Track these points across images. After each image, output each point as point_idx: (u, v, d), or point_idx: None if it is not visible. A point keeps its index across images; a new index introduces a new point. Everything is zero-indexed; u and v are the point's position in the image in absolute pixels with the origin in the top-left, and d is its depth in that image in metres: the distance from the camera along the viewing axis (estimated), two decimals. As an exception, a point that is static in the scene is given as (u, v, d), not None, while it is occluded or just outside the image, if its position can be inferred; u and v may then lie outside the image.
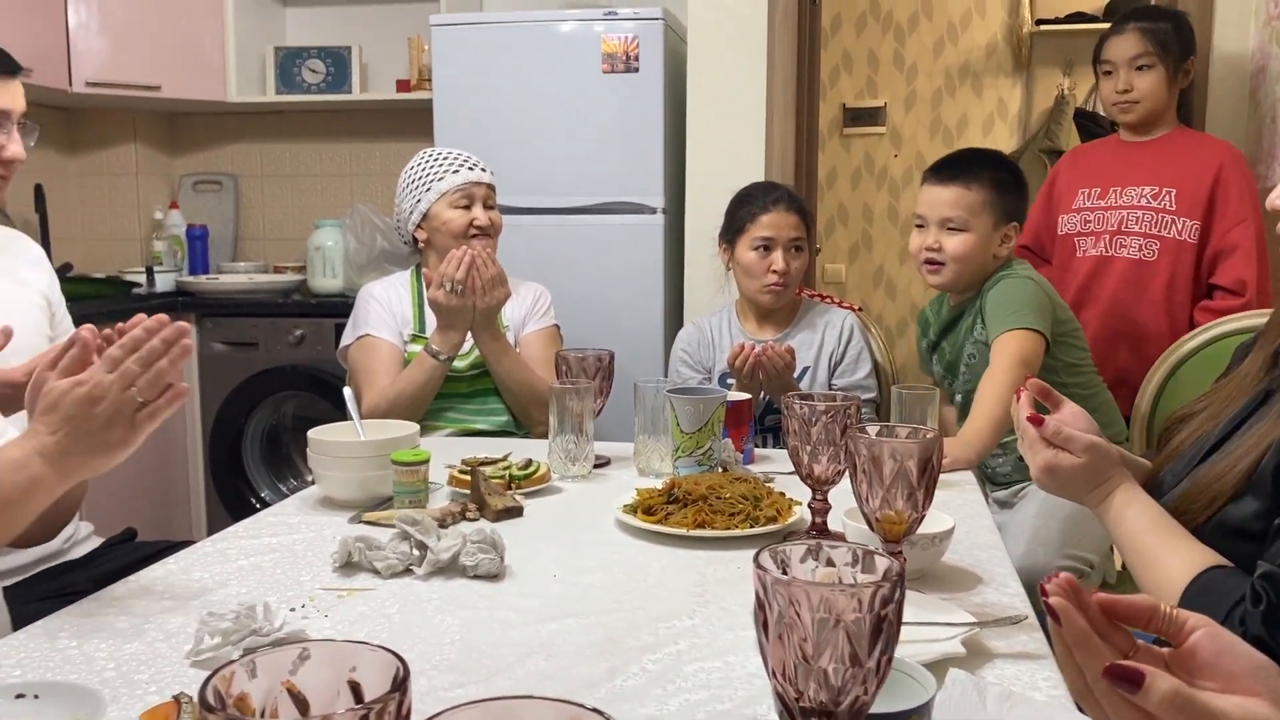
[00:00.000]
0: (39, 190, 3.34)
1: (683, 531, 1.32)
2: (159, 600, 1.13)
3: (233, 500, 3.36)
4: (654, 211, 2.97)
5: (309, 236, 3.58)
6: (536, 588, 1.17)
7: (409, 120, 3.73)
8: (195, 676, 0.92)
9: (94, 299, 3.15)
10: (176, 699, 0.77)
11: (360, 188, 3.91)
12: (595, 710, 0.46)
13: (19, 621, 1.23)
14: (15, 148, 1.74)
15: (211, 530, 3.28)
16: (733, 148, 2.90)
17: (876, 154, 4.79)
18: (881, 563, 0.69)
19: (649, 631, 1.04)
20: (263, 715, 0.52)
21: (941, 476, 1.10)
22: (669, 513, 1.37)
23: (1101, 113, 3.33)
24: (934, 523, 1.19)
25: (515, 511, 1.44)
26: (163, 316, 1.10)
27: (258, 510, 1.53)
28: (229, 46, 3.57)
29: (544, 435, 2.09)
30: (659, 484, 1.48)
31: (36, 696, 0.85)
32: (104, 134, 3.87)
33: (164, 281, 3.54)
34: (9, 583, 1.40)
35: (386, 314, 2.22)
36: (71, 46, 3.30)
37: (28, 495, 1.04)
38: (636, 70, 2.93)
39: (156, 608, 1.10)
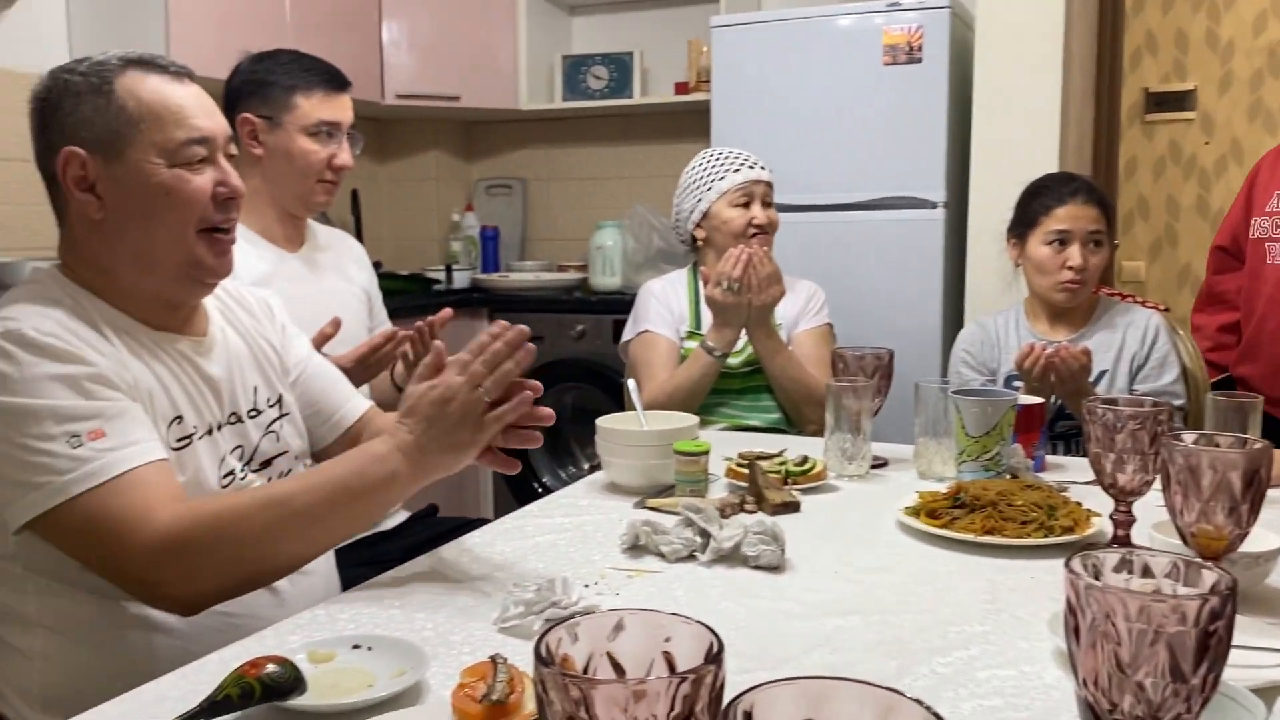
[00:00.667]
0: (355, 195, 3.69)
1: (971, 537, 1.28)
2: (467, 569, 1.22)
3: (516, 484, 3.57)
4: (934, 206, 2.88)
5: (590, 236, 3.74)
6: (819, 582, 1.17)
7: (686, 122, 3.82)
8: (502, 641, 0.99)
9: (400, 294, 3.44)
10: (492, 659, 0.83)
11: (639, 189, 4.04)
12: (916, 700, 0.46)
13: (345, 584, 1.37)
14: (345, 156, 1.94)
15: (498, 510, 3.51)
16: (1023, 139, 2.77)
17: (1184, 141, 4.41)
18: (1208, 576, 0.64)
19: (938, 634, 1.01)
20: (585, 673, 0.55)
21: (1270, 492, 1.00)
22: (954, 517, 1.33)
23: None
24: (1259, 541, 1.09)
25: (793, 506, 1.45)
26: (503, 323, 1.18)
27: (539, 494, 1.62)
28: (521, 57, 3.80)
29: (815, 434, 2.09)
30: (942, 488, 1.44)
31: (370, 648, 0.95)
32: (409, 143, 4.21)
33: (461, 279, 3.81)
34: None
35: (665, 310, 2.29)
36: (385, 62, 3.62)
37: (387, 488, 1.13)
38: (919, 61, 2.85)
39: (465, 576, 1.19)
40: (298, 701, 0.83)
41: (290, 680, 0.83)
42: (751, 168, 2.26)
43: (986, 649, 0.98)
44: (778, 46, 3.02)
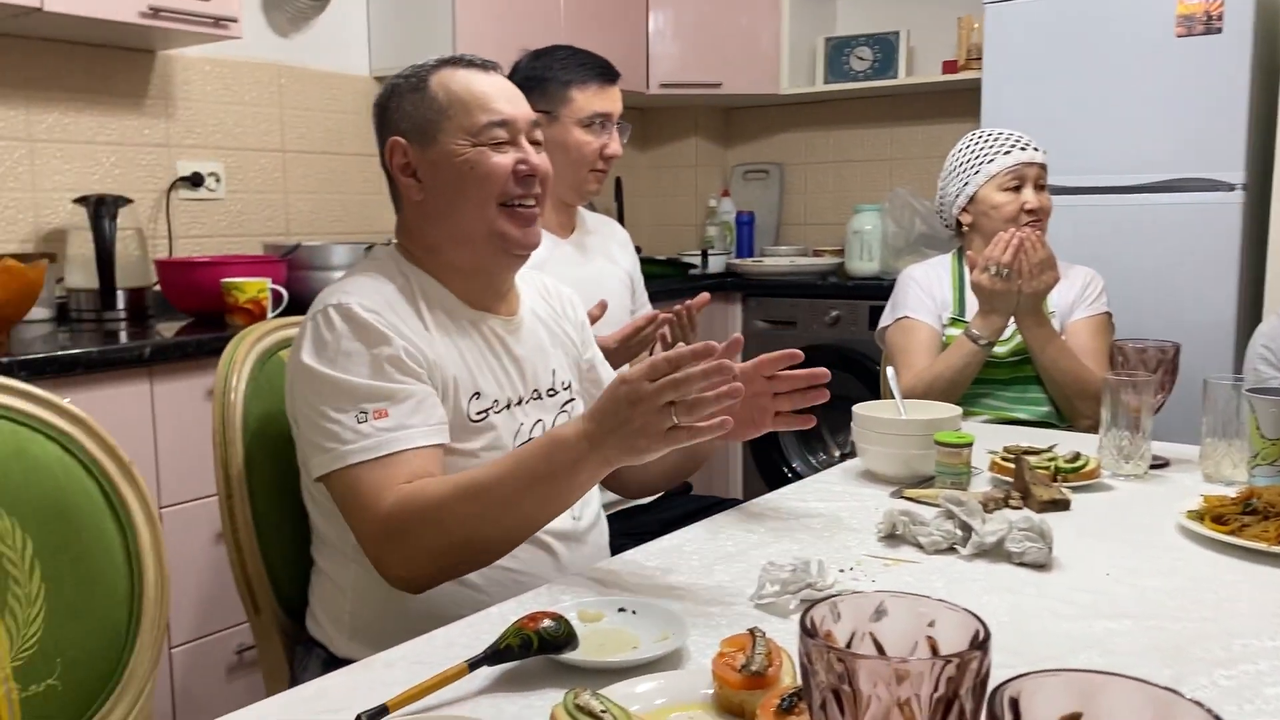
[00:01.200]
0: (618, 183, 3.82)
1: (1264, 546, 1.18)
2: (723, 546, 1.26)
3: (766, 466, 3.59)
4: (1231, 188, 2.65)
5: (848, 221, 3.70)
6: (1089, 583, 1.12)
7: (953, 102, 3.69)
8: (759, 616, 1.02)
9: (657, 278, 3.54)
10: (751, 632, 0.86)
11: (900, 172, 3.95)
12: (1194, 701, 0.44)
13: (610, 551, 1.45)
14: (615, 145, 2.03)
15: (747, 491, 3.55)
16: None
17: None
18: None
19: (1220, 645, 0.95)
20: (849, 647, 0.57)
21: None
22: (1244, 524, 1.24)
23: None
24: None
25: (1062, 504, 1.39)
26: (712, 344, 1.08)
27: (789, 479, 1.64)
28: (784, 41, 3.79)
29: (1088, 429, 1.98)
30: (1230, 492, 1.34)
31: (635, 612, 1.00)
32: (670, 130, 4.31)
33: (716, 263, 3.87)
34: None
35: (926, 297, 2.24)
36: (650, 53, 3.72)
37: (572, 472, 1.12)
38: (1219, 32, 2.63)
39: (721, 553, 1.23)
40: (570, 656, 0.89)
41: (564, 636, 0.89)
42: (1023, 149, 2.16)
43: (1277, 665, 0.91)
44: (1057, 20, 2.86)
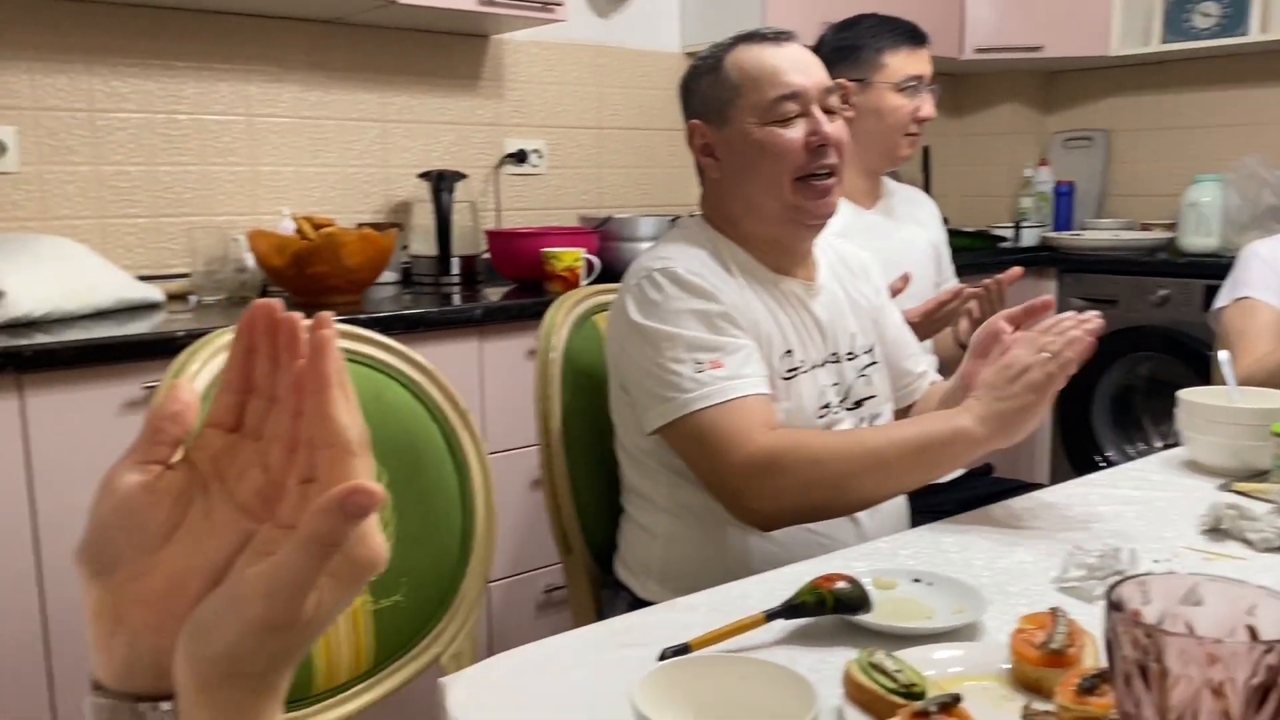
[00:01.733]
0: (926, 152, 3.71)
1: None
2: (1026, 526, 1.22)
3: (1076, 454, 3.39)
4: None
5: (1183, 192, 3.40)
6: None
7: (1316, 58, 3.29)
8: (1059, 599, 0.99)
9: (965, 251, 3.41)
10: (1053, 611, 0.84)
11: (1248, 139, 3.56)
12: None
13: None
14: (929, 108, 2.00)
15: (1054, 479, 3.37)
16: None
17: None
18: None
19: None
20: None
21: None
22: None
23: None
24: None
25: None
26: (1049, 299, 1.19)
27: (1101, 467, 1.55)
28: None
29: None
30: None
31: (930, 584, 1.01)
32: (984, 97, 4.13)
33: (1029, 237, 3.68)
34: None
35: (1273, 276, 2.03)
36: (965, 16, 3.58)
37: (959, 450, 1.20)
38: None
39: (1023, 533, 1.20)
40: (864, 618, 0.92)
41: (858, 598, 0.92)
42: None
43: None
44: None
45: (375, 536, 0.45)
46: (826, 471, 1.21)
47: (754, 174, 1.34)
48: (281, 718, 0.47)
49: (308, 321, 0.48)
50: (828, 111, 1.35)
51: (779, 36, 1.36)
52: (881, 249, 1.99)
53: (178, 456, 0.50)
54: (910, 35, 2.01)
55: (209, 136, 2.46)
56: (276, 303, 0.50)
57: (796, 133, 1.32)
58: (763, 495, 1.23)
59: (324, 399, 0.46)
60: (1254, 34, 3.34)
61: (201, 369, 1.19)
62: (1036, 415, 1.19)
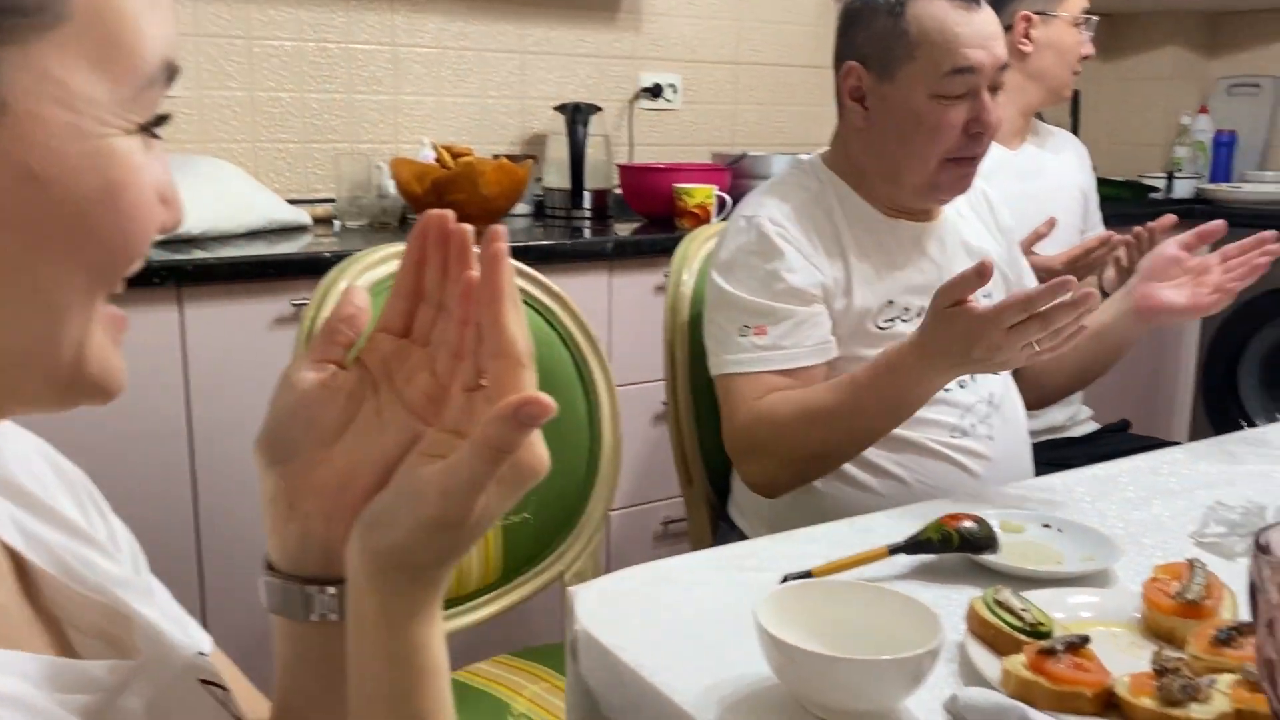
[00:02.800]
0: (1075, 95, 3.54)
1: None
2: (1164, 481, 1.19)
3: (1219, 416, 3.24)
4: None
5: (1358, 144, 3.17)
6: None
7: None
8: (1197, 553, 0.96)
9: (1113, 201, 3.27)
10: (1190, 562, 0.82)
11: None
12: None
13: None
14: (1089, 46, 2.00)
15: (1194, 436, 3.24)
16: None
17: None
18: None
19: None
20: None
21: None
22: None
23: None
24: None
25: None
26: (1070, 279, 1.04)
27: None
28: (1296, -67, 3.28)
29: None
30: None
31: (1060, 530, 0.99)
32: (1143, 39, 3.91)
33: (1183, 188, 3.50)
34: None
35: None
36: (1128, -48, 3.38)
37: (911, 393, 1.17)
38: None
39: (1160, 488, 1.17)
40: (990, 558, 0.91)
41: (985, 538, 0.91)
42: None
43: None
44: None
45: (539, 446, 0.47)
46: (793, 442, 1.23)
47: (904, 142, 1.29)
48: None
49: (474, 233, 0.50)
50: (994, 89, 1.28)
51: (971, 1, 1.26)
52: (1027, 191, 1.93)
53: (350, 358, 0.53)
54: None
55: (356, 65, 2.52)
56: (449, 213, 0.52)
57: (959, 114, 1.26)
58: (752, 471, 1.29)
59: (497, 310, 0.48)
60: None
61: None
62: (1015, 361, 1.10)
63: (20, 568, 0.50)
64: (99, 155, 0.40)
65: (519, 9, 2.74)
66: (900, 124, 1.28)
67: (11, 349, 0.41)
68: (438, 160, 2.27)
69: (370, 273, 1.27)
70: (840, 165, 1.38)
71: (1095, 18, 2.00)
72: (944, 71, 1.24)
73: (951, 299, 1.08)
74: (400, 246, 1.31)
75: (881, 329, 1.33)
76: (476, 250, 0.51)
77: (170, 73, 0.43)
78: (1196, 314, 1.31)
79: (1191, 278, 1.31)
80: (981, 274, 1.06)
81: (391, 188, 2.33)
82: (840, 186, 1.36)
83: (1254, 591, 0.53)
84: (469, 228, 0.52)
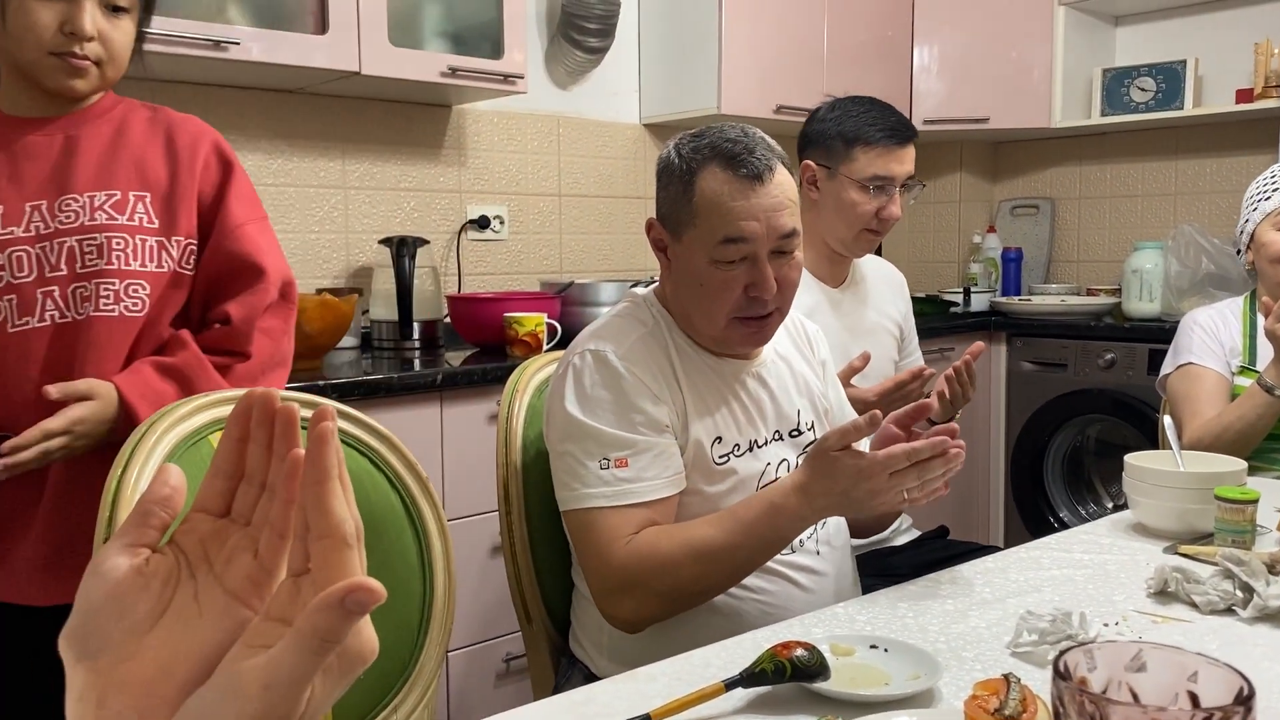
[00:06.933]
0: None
1: None
2: (979, 591, 1.25)
3: (1031, 514, 3.44)
4: None
5: (1125, 259, 3.51)
6: (1391, 659, 1.03)
7: (1248, 133, 3.44)
8: (1013, 664, 1.02)
9: (916, 316, 3.46)
10: (1006, 677, 0.86)
11: (1185, 207, 3.70)
12: None
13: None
14: (894, 209, 1.99)
15: (1008, 539, 3.42)
16: None
17: None
18: None
19: None
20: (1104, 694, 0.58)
21: None
22: None
23: None
24: None
25: (1364, 571, 1.27)
26: (947, 439, 1.17)
27: (1055, 529, 1.58)
28: (1057, 73, 3.66)
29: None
30: None
31: (886, 650, 1.02)
32: (933, 165, 4.24)
33: (979, 301, 3.77)
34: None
35: (1213, 342, 2.09)
36: (914, 89, 3.69)
37: (792, 531, 1.24)
38: None
39: (976, 599, 1.22)
40: (822, 685, 0.93)
41: (817, 665, 0.93)
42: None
43: None
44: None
45: (368, 630, 0.46)
46: (677, 578, 1.24)
47: (692, 300, 1.35)
48: None
49: (306, 411, 0.50)
50: (784, 253, 1.33)
51: (755, 174, 1.29)
52: (844, 328, 2.02)
53: (164, 541, 0.51)
54: (889, 134, 1.96)
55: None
56: (275, 392, 0.51)
57: (738, 277, 1.31)
58: (625, 609, 1.28)
59: (323, 490, 0.47)
60: (1188, 108, 3.48)
61: (158, 441, 1.19)
62: (864, 511, 1.20)
63: None
64: None
65: (341, 147, 2.75)
66: (688, 282, 1.34)
67: None
68: (258, 298, 2.21)
69: (187, 422, 1.22)
70: (667, 302, 1.42)
71: (891, 182, 1.96)
72: (717, 240, 1.30)
73: (841, 444, 1.16)
74: (208, 400, 1.27)
75: (718, 464, 1.36)
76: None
77: None
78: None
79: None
80: (872, 422, 1.15)
81: (209, 327, 2.26)
82: (670, 323, 1.40)
83: (1058, 715, 0.56)
84: (295, 406, 0.51)
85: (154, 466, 1.38)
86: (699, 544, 1.24)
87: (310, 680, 0.44)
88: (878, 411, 1.16)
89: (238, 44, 2.20)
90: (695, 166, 1.32)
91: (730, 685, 0.92)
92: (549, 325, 2.47)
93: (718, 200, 1.30)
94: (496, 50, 2.65)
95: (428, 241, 2.69)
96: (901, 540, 2.05)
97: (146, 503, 0.51)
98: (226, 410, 1.31)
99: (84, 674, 0.48)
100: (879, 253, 3.63)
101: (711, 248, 1.30)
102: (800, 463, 1.30)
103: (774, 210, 1.30)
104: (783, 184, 1.32)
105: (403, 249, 2.59)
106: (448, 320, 2.72)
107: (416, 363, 2.42)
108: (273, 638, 0.46)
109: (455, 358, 2.48)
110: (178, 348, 1.46)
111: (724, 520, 1.25)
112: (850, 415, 1.58)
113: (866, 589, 1.31)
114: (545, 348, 2.43)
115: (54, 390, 1.36)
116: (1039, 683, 0.91)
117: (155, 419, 1.21)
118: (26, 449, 1.35)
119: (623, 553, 1.26)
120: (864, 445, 1.28)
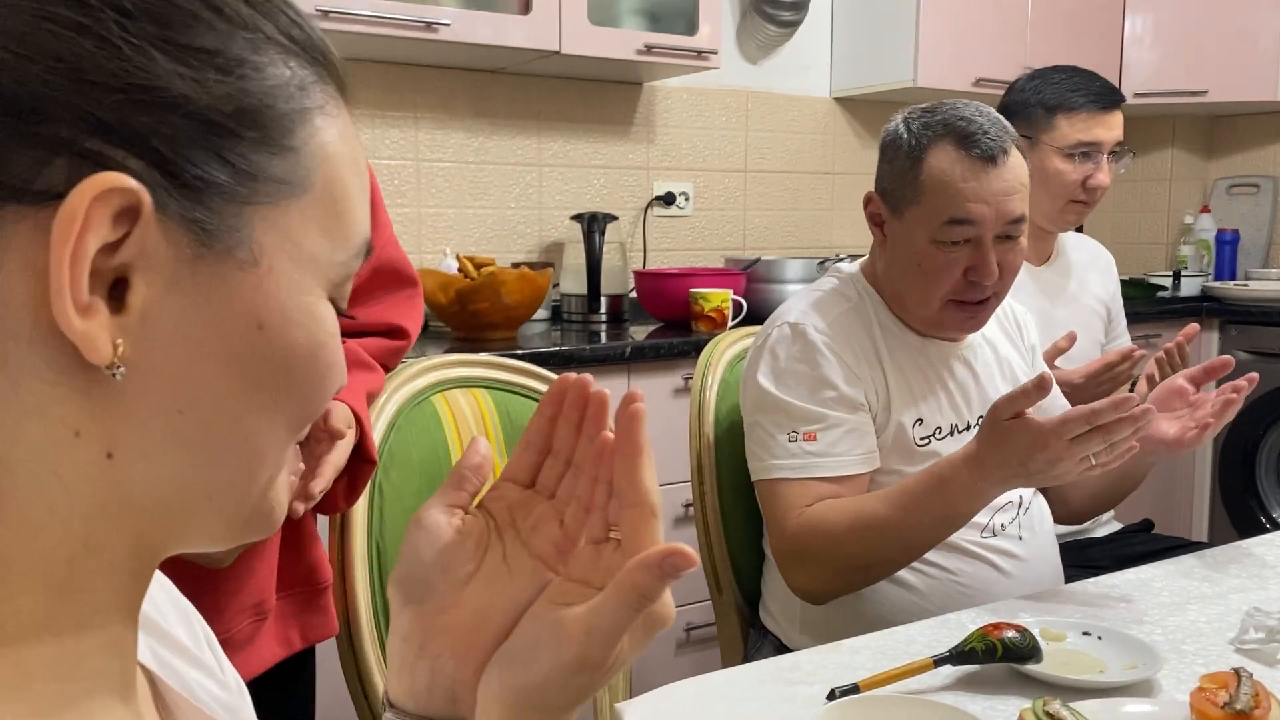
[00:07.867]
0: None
1: None
2: (1197, 586, 1.19)
3: (1239, 513, 3.23)
4: None
5: (1360, 241, 3.23)
6: None
7: None
8: (1237, 660, 0.97)
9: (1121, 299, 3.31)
10: (1236, 671, 0.83)
11: None
12: None
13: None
14: (1102, 176, 1.89)
15: (1214, 535, 3.22)
16: None
17: None
18: None
19: None
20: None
21: None
22: None
23: None
24: None
25: None
26: (1131, 396, 1.09)
27: (1266, 529, 1.49)
28: (1285, 41, 3.39)
29: None
30: None
31: (1100, 638, 0.99)
32: (1143, 141, 4.01)
33: (1189, 286, 3.54)
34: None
35: None
36: (1124, 60, 3.50)
37: (965, 506, 1.18)
38: None
39: (1195, 593, 1.17)
40: (1034, 668, 0.91)
41: (1029, 647, 0.91)
42: None
43: None
44: None
45: (669, 596, 0.49)
46: (848, 550, 1.23)
47: (907, 278, 1.33)
48: None
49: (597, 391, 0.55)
50: (1009, 238, 1.29)
51: (989, 155, 1.26)
52: (1049, 308, 1.94)
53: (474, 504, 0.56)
54: (1094, 99, 1.88)
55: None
56: (587, 378, 0.55)
57: (960, 259, 1.28)
58: (800, 578, 1.28)
59: (636, 463, 0.51)
60: None
61: (387, 400, 1.27)
62: (1072, 474, 1.12)
63: (154, 689, 0.51)
64: (310, 313, 0.43)
65: (536, 125, 2.83)
66: (904, 261, 1.32)
67: (209, 487, 0.43)
68: (461, 270, 2.32)
69: (411, 383, 1.30)
70: (876, 279, 1.41)
71: (1097, 148, 1.88)
72: (942, 220, 1.27)
73: (1011, 412, 1.12)
74: (432, 363, 1.34)
75: (919, 446, 1.34)
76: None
77: (368, 250, 0.46)
78: (1181, 449, 1.29)
79: (1191, 411, 1.31)
80: (1041, 386, 1.09)
81: (415, 297, 2.38)
82: (876, 301, 1.39)
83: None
84: (606, 393, 0.55)
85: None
86: (866, 517, 1.22)
87: (624, 632, 0.48)
88: (1048, 372, 1.12)
89: (448, 25, 2.29)
90: (926, 143, 1.29)
91: (939, 662, 0.92)
92: (734, 301, 2.48)
93: (947, 180, 1.27)
94: (691, 26, 2.66)
95: (616, 218, 2.74)
96: (1102, 532, 1.97)
97: (460, 468, 0.56)
98: (446, 374, 1.36)
99: (410, 617, 0.54)
100: (1081, 230, 3.47)
101: (936, 228, 1.28)
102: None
103: (1005, 194, 1.27)
104: (1015, 167, 1.29)
105: (593, 225, 2.66)
106: (633, 295, 2.77)
107: (604, 335, 2.48)
108: (575, 597, 0.50)
109: (640, 331, 2.52)
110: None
111: (893, 494, 1.23)
112: (1061, 402, 1.53)
113: (1068, 580, 1.27)
114: (730, 324, 2.44)
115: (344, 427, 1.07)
116: (1269, 683, 0.86)
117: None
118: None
119: (795, 523, 1.26)
120: None
